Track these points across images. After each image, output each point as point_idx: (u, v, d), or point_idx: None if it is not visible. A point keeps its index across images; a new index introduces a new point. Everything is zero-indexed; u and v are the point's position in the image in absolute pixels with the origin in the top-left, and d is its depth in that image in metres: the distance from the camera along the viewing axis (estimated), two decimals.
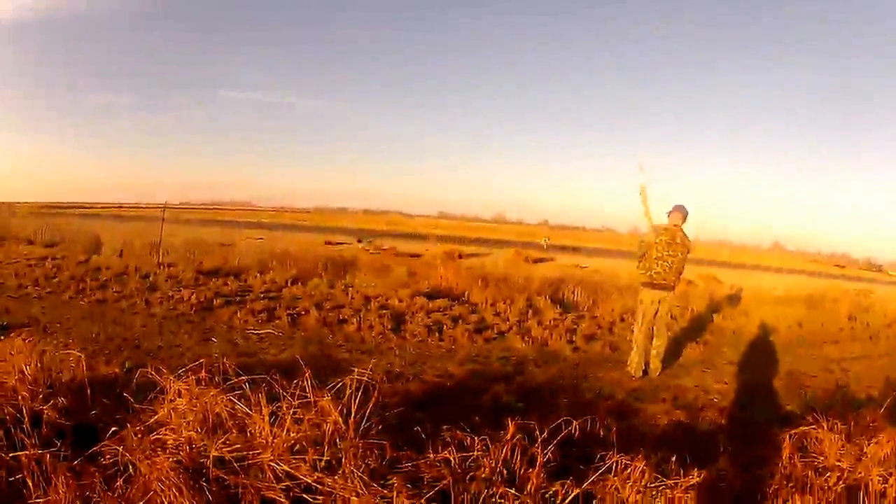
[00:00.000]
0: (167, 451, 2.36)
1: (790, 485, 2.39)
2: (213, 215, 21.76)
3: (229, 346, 3.93)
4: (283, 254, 8.74)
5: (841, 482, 2.65)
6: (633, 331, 4.90)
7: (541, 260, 14.39)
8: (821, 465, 2.55)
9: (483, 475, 1.95)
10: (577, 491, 1.96)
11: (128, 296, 5.42)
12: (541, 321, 6.25)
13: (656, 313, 4.70)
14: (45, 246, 9.00)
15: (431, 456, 1.97)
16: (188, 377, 2.29)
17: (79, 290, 5.62)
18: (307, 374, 2.06)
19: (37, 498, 2.12)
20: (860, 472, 2.72)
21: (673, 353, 5.44)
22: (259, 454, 2.19)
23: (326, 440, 2.04)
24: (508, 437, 1.96)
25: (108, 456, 2.43)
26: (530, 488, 1.95)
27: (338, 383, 2.07)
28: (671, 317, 5.03)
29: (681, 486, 2.09)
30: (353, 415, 2.00)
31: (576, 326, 6.21)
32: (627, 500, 2.04)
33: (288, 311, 5.24)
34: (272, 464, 2.17)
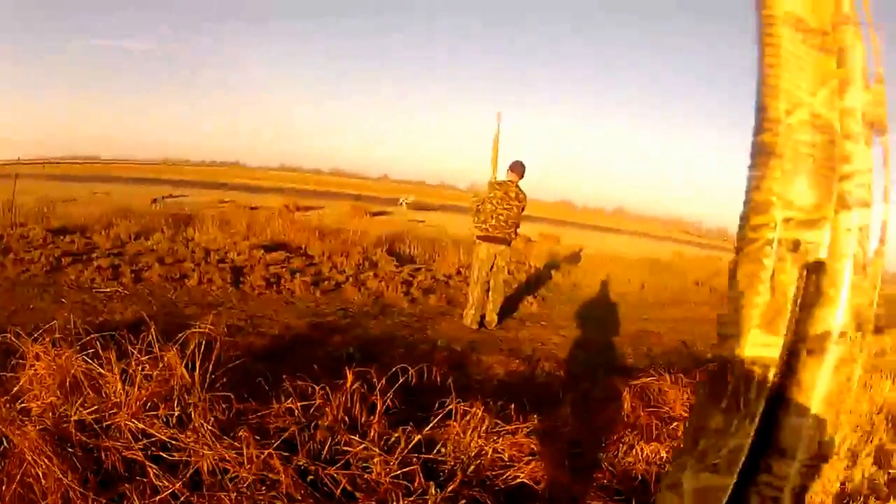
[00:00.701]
0: (33, 419, 2.36)
1: (635, 432, 2.60)
2: (63, 170, 20.82)
3: (79, 305, 3.90)
4: (127, 209, 8.56)
5: None
6: (468, 284, 5.02)
7: (379, 213, 14.46)
8: (666, 416, 2.78)
9: (326, 423, 2.04)
10: (419, 437, 2.08)
11: None
12: (377, 274, 6.35)
13: (493, 267, 4.85)
14: None
15: (276, 406, 2.05)
16: (44, 340, 2.27)
17: None
18: (152, 330, 2.08)
19: None
20: None
21: (510, 307, 5.63)
22: (115, 414, 2.21)
23: (176, 395, 2.08)
24: (348, 385, 2.06)
25: None
26: (373, 435, 2.06)
27: (181, 338, 2.11)
28: (508, 272, 5.23)
29: (522, 430, 2.25)
30: (197, 369, 2.05)
31: (412, 279, 6.33)
32: (470, 445, 2.18)
33: (132, 268, 5.22)
34: (128, 423, 2.20)
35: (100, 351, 2.13)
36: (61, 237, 6.36)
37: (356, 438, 2.03)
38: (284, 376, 2.10)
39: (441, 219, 13.98)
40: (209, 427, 2.05)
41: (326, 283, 5.68)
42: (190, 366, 2.05)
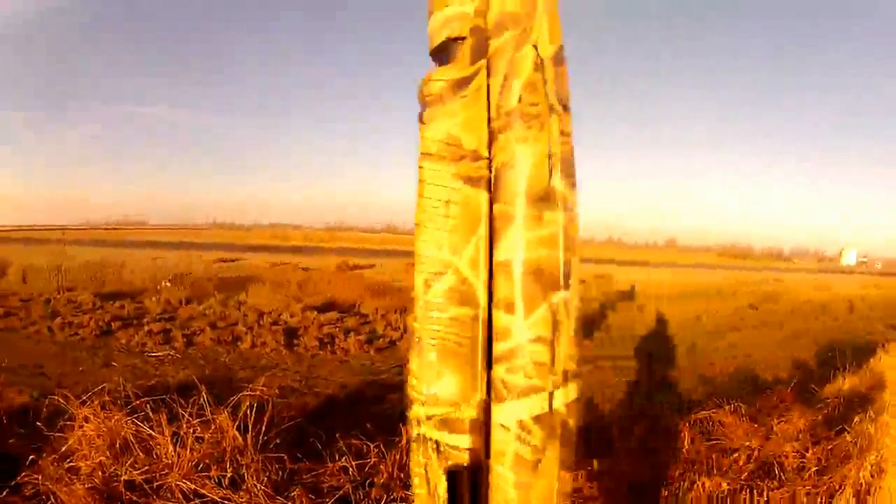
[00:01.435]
0: (81, 478, 2.36)
1: (695, 467, 2.48)
2: (111, 236, 21.34)
3: (129, 369, 3.95)
4: (177, 274, 8.75)
5: (752, 461, 2.77)
6: None
7: None
8: (727, 447, 2.65)
9: (381, 481, 1.99)
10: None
11: (33, 322, 5.42)
12: None
13: None
14: None
15: (330, 465, 2.00)
16: (93, 403, 2.27)
17: None
18: (203, 393, 2.06)
19: None
20: (771, 450, 2.85)
21: None
22: (166, 475, 2.19)
23: (228, 457, 2.05)
24: (403, 442, 2.00)
25: (30, 486, 2.41)
26: None
27: (233, 401, 2.08)
28: None
29: (582, 475, 2.16)
30: (250, 430, 2.02)
31: None
32: None
33: (184, 332, 5.30)
34: (179, 483, 2.18)
35: (150, 413, 2.10)
36: (111, 302, 6.54)
37: (412, 494, 1.97)
38: (338, 435, 2.06)
39: None
40: (262, 487, 2.01)
41: (381, 340, 5.67)
42: (242, 427, 2.01)
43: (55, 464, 2.45)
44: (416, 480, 0.56)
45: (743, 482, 2.55)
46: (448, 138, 0.64)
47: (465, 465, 0.55)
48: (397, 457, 1.97)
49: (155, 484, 2.22)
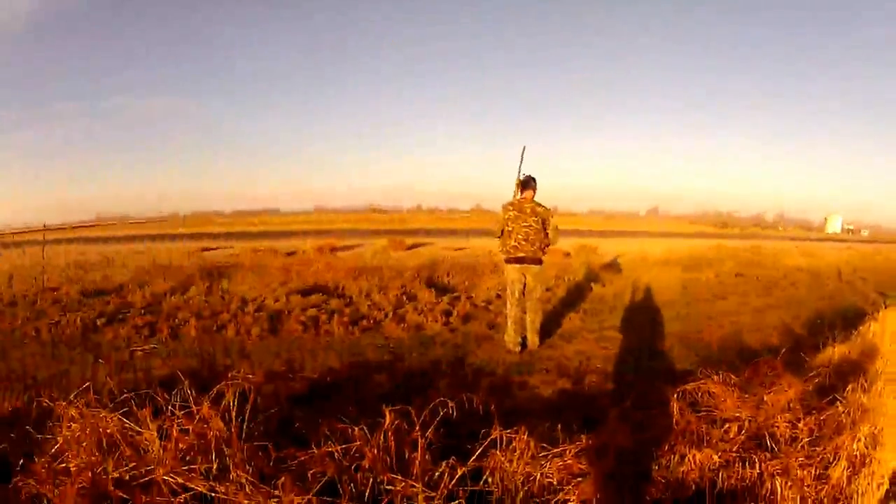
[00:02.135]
0: (71, 479, 2.36)
1: (685, 439, 2.48)
2: (93, 232, 21.19)
3: (116, 365, 3.91)
4: (160, 265, 8.71)
5: (743, 432, 2.76)
6: (506, 307, 4.94)
7: (415, 246, 14.35)
8: (718, 418, 2.65)
9: (367, 464, 1.98)
10: (464, 469, 2.01)
11: (19, 325, 5.35)
12: (416, 306, 6.27)
13: (525, 287, 4.77)
14: None
15: (315, 451, 1.99)
16: (78, 402, 2.27)
17: None
18: (186, 384, 2.05)
19: None
20: (763, 421, 2.84)
21: (553, 324, 5.53)
22: (153, 469, 2.19)
23: (213, 447, 2.05)
24: (386, 424, 2.00)
25: (24, 491, 2.41)
26: (415, 472, 1.99)
27: (215, 390, 2.08)
28: (546, 289, 5.11)
29: (569, 452, 2.16)
30: (234, 419, 2.01)
31: (452, 308, 6.24)
32: (516, 472, 2.09)
33: (169, 324, 5.24)
34: (167, 478, 2.17)
35: (135, 409, 2.10)
36: (96, 298, 6.47)
37: (398, 477, 1.97)
38: (322, 420, 2.05)
39: (478, 244, 13.86)
40: (248, 476, 2.01)
41: (365, 321, 5.63)
42: (227, 417, 2.01)
43: (46, 466, 2.45)
44: None
45: (735, 454, 2.55)
46: None
47: None
48: (381, 440, 1.97)
49: (142, 480, 2.22)
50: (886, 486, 2.36)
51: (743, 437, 2.70)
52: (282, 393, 2.82)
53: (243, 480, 1.99)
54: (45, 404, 2.41)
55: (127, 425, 2.17)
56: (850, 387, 2.93)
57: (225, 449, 2.03)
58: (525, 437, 2.08)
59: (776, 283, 9.08)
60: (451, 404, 2.07)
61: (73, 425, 2.36)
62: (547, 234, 4.76)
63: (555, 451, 2.13)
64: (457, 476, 1.99)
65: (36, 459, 2.47)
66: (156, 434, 2.10)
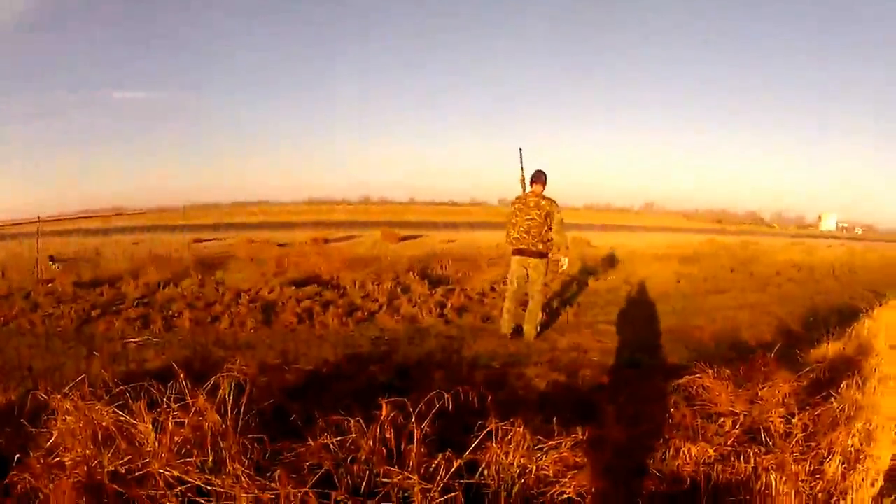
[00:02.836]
0: (67, 472, 2.35)
1: (680, 433, 2.49)
2: (88, 224, 21.06)
3: (110, 357, 3.89)
4: (155, 256, 8.66)
5: (737, 427, 2.77)
6: (505, 297, 5.03)
7: (409, 237, 14.26)
8: (713, 412, 2.66)
9: (363, 456, 1.99)
10: (460, 462, 2.01)
11: (13, 318, 5.30)
12: (411, 298, 6.28)
13: (528, 279, 4.84)
14: None
15: (311, 443, 2.00)
16: (73, 395, 2.26)
17: None
18: (182, 377, 2.05)
19: None
20: (757, 416, 2.85)
21: (548, 318, 5.55)
22: (148, 463, 2.18)
23: (209, 440, 2.04)
24: (382, 416, 2.00)
25: (20, 486, 2.40)
26: (412, 464, 2.00)
27: (211, 383, 2.07)
28: (544, 283, 5.15)
29: (565, 444, 2.17)
30: (229, 412, 2.01)
31: (446, 300, 6.24)
32: (512, 465, 2.10)
33: (162, 316, 5.23)
34: (162, 471, 2.17)
35: (130, 402, 2.09)
36: (90, 290, 6.43)
37: (395, 469, 1.97)
38: (318, 412, 2.05)
39: (471, 237, 13.86)
40: (244, 469, 2.01)
41: (360, 312, 5.61)
42: (222, 409, 2.00)
43: (42, 460, 2.44)
44: None
45: (729, 448, 2.56)
46: None
47: None
48: (377, 432, 1.97)
49: (138, 473, 2.22)
50: (881, 482, 2.38)
51: (738, 432, 2.71)
52: (276, 385, 2.81)
53: (239, 473, 1.99)
54: (40, 397, 2.40)
55: (122, 418, 2.16)
56: (844, 383, 2.96)
57: (220, 441, 2.03)
58: (521, 429, 2.09)
59: (770, 279, 9.13)
60: (447, 396, 2.07)
61: (68, 418, 2.35)
62: (550, 227, 4.79)
63: (550, 443, 2.14)
64: (453, 468, 1.99)
65: (31, 454, 2.47)
66: (151, 427, 2.10)
